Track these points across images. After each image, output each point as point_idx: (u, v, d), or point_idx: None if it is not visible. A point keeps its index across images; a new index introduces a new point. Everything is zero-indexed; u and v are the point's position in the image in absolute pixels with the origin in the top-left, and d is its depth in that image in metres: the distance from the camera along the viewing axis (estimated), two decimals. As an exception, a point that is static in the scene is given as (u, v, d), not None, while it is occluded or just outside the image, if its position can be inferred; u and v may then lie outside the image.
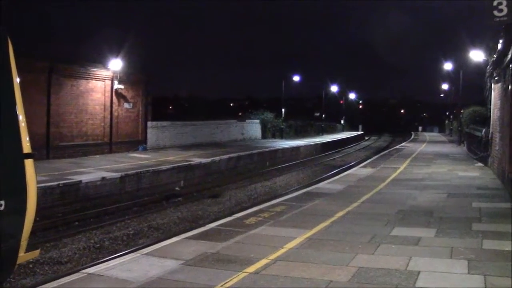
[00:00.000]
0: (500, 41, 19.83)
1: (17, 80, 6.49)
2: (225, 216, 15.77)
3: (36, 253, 7.11)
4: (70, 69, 30.20)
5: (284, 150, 43.72)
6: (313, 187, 20.34)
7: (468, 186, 19.58)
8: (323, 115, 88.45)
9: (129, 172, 23.74)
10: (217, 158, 31.98)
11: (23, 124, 6.46)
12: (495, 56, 22.43)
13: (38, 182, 6.78)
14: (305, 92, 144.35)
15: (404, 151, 41.70)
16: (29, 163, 6.45)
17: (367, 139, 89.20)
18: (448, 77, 68.48)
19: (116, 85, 33.48)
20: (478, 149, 31.05)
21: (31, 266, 12.72)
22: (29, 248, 6.73)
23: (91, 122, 31.74)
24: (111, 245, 15.33)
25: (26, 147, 6.45)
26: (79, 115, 30.82)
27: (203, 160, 30.16)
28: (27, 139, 6.51)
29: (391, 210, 14.35)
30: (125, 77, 34.32)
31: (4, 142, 6.19)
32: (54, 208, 18.79)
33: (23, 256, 6.56)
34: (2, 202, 5.91)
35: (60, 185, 19.64)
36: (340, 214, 13.84)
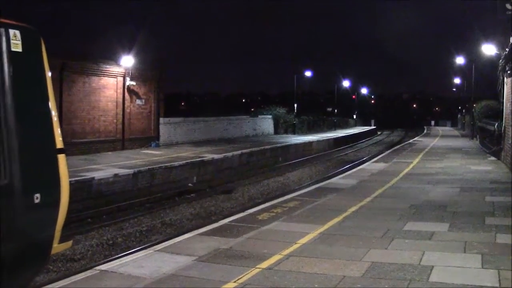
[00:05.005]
0: (513, 34, 19.73)
1: (49, 74, 6.84)
2: (238, 212, 15.74)
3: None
4: (82, 66, 30.24)
5: (296, 146, 43.64)
6: (326, 182, 20.32)
7: (481, 180, 19.51)
8: (336, 110, 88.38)
9: (142, 169, 23.77)
10: (229, 154, 31.97)
11: (55, 119, 6.76)
12: (507, 50, 22.31)
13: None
14: (317, 87, 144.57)
15: (417, 145, 41.56)
16: (61, 158, 6.74)
17: (380, 134, 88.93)
18: (460, 71, 68.28)
19: (128, 82, 33.50)
20: (491, 143, 30.94)
21: (44, 263, 12.77)
22: (62, 240, 6.98)
23: (103, 118, 31.80)
24: (124, 242, 15.38)
25: (59, 142, 6.73)
26: (91, 112, 30.88)
27: (216, 156, 30.17)
28: (59, 134, 6.80)
29: (404, 205, 14.32)
30: (137, 74, 34.36)
31: (39, 138, 6.55)
32: (67, 205, 18.81)
33: (56, 247, 6.83)
34: (38, 195, 6.22)
35: (73, 182, 19.64)
36: (353, 209, 13.82)
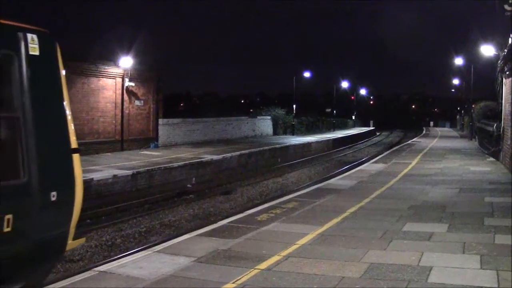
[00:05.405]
0: (511, 35, 19.74)
1: (63, 75, 7.25)
2: (237, 213, 15.75)
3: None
4: (81, 67, 30.22)
5: (295, 146, 43.67)
6: (325, 183, 20.32)
7: (480, 181, 19.51)
8: (334, 111, 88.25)
9: (141, 170, 23.79)
10: (228, 155, 31.99)
11: (70, 119, 7.15)
12: (506, 50, 22.33)
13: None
14: (316, 88, 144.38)
15: (416, 146, 41.57)
16: (76, 157, 7.16)
17: (379, 135, 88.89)
18: (459, 72, 68.34)
19: (127, 83, 33.51)
20: (490, 144, 30.95)
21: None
22: (75, 237, 7.35)
23: (102, 120, 31.81)
24: (123, 243, 15.37)
25: (73, 142, 7.12)
26: (90, 113, 30.88)
27: (215, 157, 30.19)
28: (74, 134, 7.19)
29: (403, 206, 14.32)
30: (136, 75, 34.38)
31: (55, 137, 6.97)
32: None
33: (71, 243, 7.21)
34: (55, 193, 6.62)
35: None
36: (352, 210, 13.82)
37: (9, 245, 6.15)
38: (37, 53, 6.70)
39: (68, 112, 7.13)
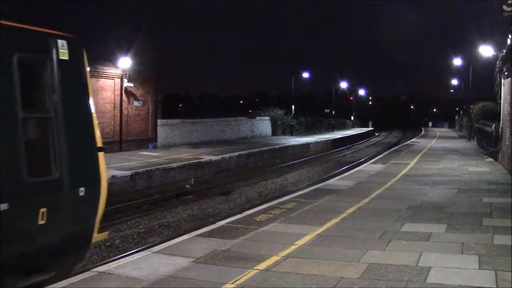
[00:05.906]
0: (510, 36, 19.74)
1: (88, 76, 7.86)
2: (235, 214, 15.72)
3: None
4: (79, 67, 30.18)
5: (294, 147, 43.67)
6: (324, 183, 20.31)
7: (478, 181, 19.52)
8: (333, 112, 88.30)
9: (140, 170, 23.77)
10: (227, 155, 31.97)
11: (94, 115, 7.74)
12: (504, 51, 22.33)
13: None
14: (315, 89, 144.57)
15: (415, 147, 41.58)
16: (101, 156, 7.74)
17: (378, 135, 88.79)
18: (458, 72, 68.31)
19: (126, 83, 33.48)
20: (488, 145, 30.92)
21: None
22: (99, 231, 7.94)
23: (101, 120, 31.52)
24: (122, 244, 15.38)
25: (99, 141, 7.70)
26: (89, 114, 30.79)
27: (213, 158, 30.18)
28: (99, 133, 7.74)
29: (402, 206, 14.32)
30: (135, 75, 34.35)
31: (83, 136, 7.57)
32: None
33: (96, 236, 7.85)
34: (83, 189, 7.23)
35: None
36: (351, 210, 13.82)
37: (43, 236, 6.69)
38: (66, 57, 7.25)
39: (93, 110, 7.66)
